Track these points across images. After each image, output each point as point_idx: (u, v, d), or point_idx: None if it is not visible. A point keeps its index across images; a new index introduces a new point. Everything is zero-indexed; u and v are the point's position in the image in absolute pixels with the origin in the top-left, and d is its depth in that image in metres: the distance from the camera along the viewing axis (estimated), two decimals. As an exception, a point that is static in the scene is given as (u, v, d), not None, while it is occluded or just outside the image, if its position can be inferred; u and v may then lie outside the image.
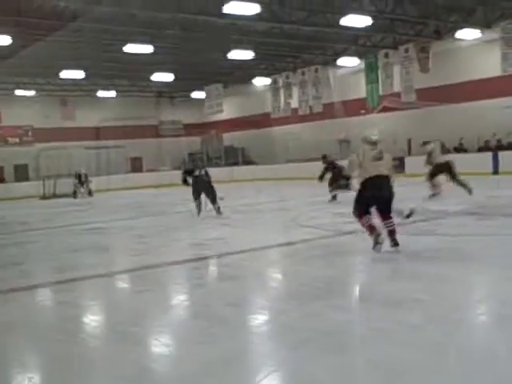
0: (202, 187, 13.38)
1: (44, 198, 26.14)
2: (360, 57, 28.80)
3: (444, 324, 4.45)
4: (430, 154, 13.83)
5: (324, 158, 16.21)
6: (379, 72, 27.65)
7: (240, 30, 23.50)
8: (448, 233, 8.90)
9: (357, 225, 7.80)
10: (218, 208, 13.33)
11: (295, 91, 31.68)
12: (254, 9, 18.81)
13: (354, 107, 29.98)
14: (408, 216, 8.49)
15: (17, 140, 34.50)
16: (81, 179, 26.16)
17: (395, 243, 7.30)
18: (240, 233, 10.69)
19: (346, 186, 12.65)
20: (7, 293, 6.60)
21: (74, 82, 31.97)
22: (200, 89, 36.45)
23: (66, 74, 28.71)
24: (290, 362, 3.93)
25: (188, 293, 6.35)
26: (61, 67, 27.68)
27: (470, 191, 12.92)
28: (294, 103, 31.77)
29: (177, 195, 21.91)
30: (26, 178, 31.85)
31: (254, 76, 34.50)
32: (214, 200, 13.38)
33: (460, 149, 24.79)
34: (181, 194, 22.61)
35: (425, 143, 15.27)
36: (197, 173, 13.71)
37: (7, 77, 29.62)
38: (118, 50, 24.17)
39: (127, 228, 12.71)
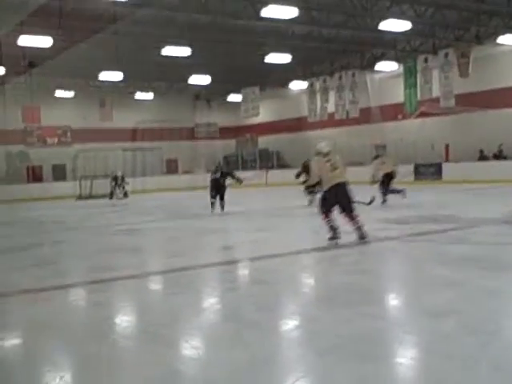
0: (215, 187, 15.49)
1: (80, 198, 26.53)
2: (398, 61, 28.54)
3: (479, 335, 4.33)
4: (380, 167, 15.88)
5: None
6: (418, 77, 27.33)
7: (278, 34, 23.51)
8: (484, 241, 8.71)
9: (392, 232, 7.71)
10: (223, 206, 15.30)
11: (332, 95, 31.52)
12: (293, 12, 18.80)
13: (391, 112, 29.72)
14: (370, 203, 10.12)
15: (55, 140, 35.11)
16: (117, 181, 26.40)
17: (362, 237, 8.61)
18: (273, 237, 10.65)
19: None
20: (41, 291, 6.69)
21: (113, 83, 32.41)
22: (236, 92, 36.58)
23: (104, 75, 29.12)
24: (317, 369, 3.88)
25: (219, 296, 6.34)
26: (100, 69, 28.10)
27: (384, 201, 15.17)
28: (331, 107, 31.61)
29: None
30: (64, 178, 32.41)
31: (290, 79, 34.47)
32: (221, 198, 15.42)
33: (499, 156, 24.33)
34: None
35: (376, 157, 17.24)
36: (213, 176, 15.80)
37: (48, 78, 30.21)
38: (157, 52, 24.43)
39: (161, 230, 12.80)
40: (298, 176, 17.37)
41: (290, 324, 5.05)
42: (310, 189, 14.85)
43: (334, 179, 8.68)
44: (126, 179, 26.54)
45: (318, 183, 9.68)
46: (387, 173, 15.76)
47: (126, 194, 25.99)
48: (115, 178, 26.14)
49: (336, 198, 8.73)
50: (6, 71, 25.26)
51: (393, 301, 5.92)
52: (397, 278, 6.90)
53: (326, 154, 8.88)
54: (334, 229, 8.80)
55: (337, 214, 8.89)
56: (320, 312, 5.24)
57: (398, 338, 4.43)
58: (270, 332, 4.70)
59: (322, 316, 5.07)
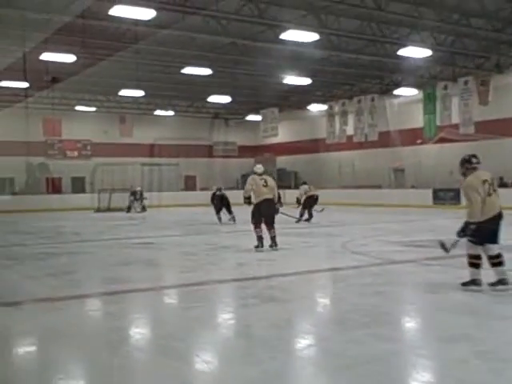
0: (219, 203, 18.14)
1: (98, 210, 26.73)
2: (418, 87, 28.60)
3: (493, 362, 4.29)
4: (305, 193, 18.50)
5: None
6: (437, 103, 27.34)
7: (297, 57, 23.68)
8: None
9: (409, 255, 7.67)
10: (233, 217, 17.89)
11: (351, 118, 31.60)
12: (312, 37, 18.93)
13: (410, 137, 29.69)
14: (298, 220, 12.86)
15: (75, 154, 35.50)
16: (136, 196, 26.67)
17: (274, 245, 10.82)
18: (288, 256, 10.64)
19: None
20: (57, 301, 6.75)
21: (133, 99, 32.81)
22: (255, 112, 36.83)
23: (125, 92, 29.49)
24: (329, 388, 3.87)
25: (232, 312, 6.35)
26: (121, 86, 28.48)
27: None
28: (349, 130, 31.68)
29: (227, 214, 22.05)
30: (83, 191, 32.70)
31: (309, 102, 34.66)
32: (230, 211, 18.07)
33: (519, 183, 24.17)
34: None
35: (304, 183, 19.85)
36: (217, 193, 18.38)
37: (70, 93, 30.67)
38: (177, 71, 24.73)
39: (177, 244, 12.85)
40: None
41: (301, 343, 5.04)
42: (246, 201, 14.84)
43: (264, 195, 10.85)
44: (144, 194, 26.79)
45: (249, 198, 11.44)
46: (311, 195, 18.46)
47: (144, 208, 26.21)
48: (134, 193, 26.44)
49: (264, 211, 10.84)
50: (30, 85, 25.68)
51: (406, 324, 5.88)
52: (411, 301, 6.86)
53: (260, 174, 11.09)
54: (260, 239, 10.80)
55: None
56: (332, 332, 5.23)
57: (411, 362, 4.41)
58: (281, 350, 4.69)
59: (335, 336, 5.06)
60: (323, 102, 33.90)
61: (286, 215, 15.93)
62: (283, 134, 36.61)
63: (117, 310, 6.28)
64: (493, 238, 6.63)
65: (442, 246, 7.20)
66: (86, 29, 18.52)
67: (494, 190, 6.76)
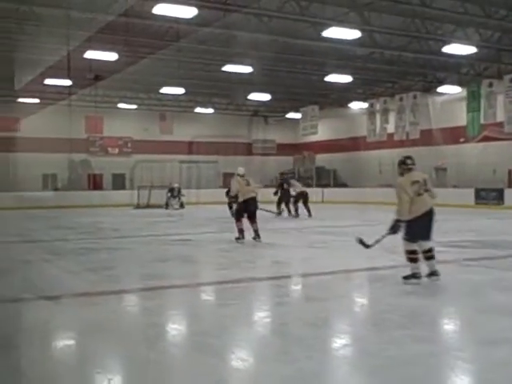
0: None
1: (138, 207, 27.02)
2: (461, 85, 28.07)
3: (534, 365, 4.18)
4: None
5: (281, 174, 20.96)
6: (481, 101, 26.77)
7: (339, 54, 23.52)
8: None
9: (449, 255, 7.52)
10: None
11: (392, 116, 31.22)
12: (355, 34, 18.76)
13: (452, 135, 29.17)
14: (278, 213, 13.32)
15: (116, 151, 36.03)
16: (173, 193, 26.92)
17: (258, 237, 11.81)
18: (325, 254, 10.59)
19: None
20: (96, 295, 6.84)
21: (174, 97, 33.07)
22: (295, 110, 36.74)
23: (166, 90, 29.75)
24: (365, 389, 3.82)
25: (268, 310, 6.34)
26: (162, 83, 28.75)
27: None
28: (390, 128, 31.30)
29: (264, 212, 22.03)
30: (123, 187, 33.13)
31: (350, 99, 34.40)
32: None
33: None
34: (269, 211, 22.74)
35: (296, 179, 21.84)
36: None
37: (112, 90, 31.15)
38: (218, 69, 24.83)
39: (214, 241, 12.89)
40: (275, 193, 20.05)
41: (338, 342, 4.99)
42: (233, 199, 14.86)
43: (249, 193, 12.01)
44: (182, 192, 27.00)
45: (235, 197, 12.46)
46: (300, 192, 19.70)
47: (182, 205, 26.43)
48: (171, 190, 26.69)
49: (248, 208, 11.91)
50: (73, 83, 26.14)
51: (445, 325, 5.78)
52: (450, 302, 6.72)
53: (242, 175, 12.37)
54: (241, 232, 11.87)
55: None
56: (369, 332, 5.17)
57: (449, 364, 4.32)
58: (317, 349, 4.66)
59: (371, 336, 5.00)
60: (364, 99, 33.59)
61: (265, 211, 16.51)
62: (323, 131, 36.41)
63: (154, 305, 6.33)
64: (424, 234, 7.18)
65: (361, 242, 7.86)
66: (129, 27, 18.78)
67: (426, 190, 7.27)
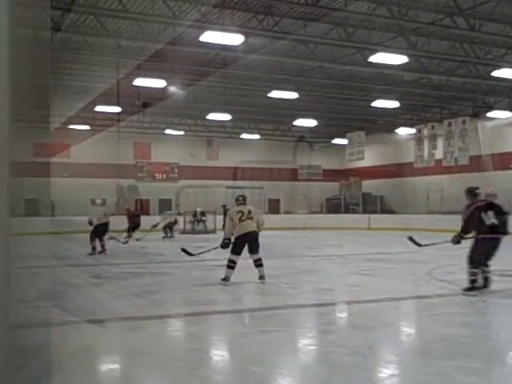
0: None
1: (184, 232, 27.21)
2: (512, 109, 27.51)
3: None
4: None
5: None
6: (533, 126, 26.17)
7: (386, 80, 23.42)
8: None
9: (497, 284, 7.29)
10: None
11: (440, 142, 30.76)
12: (402, 59, 18.64)
13: (503, 161, 28.54)
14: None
15: (163, 176, 36.54)
16: (196, 216, 27.53)
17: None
18: (371, 282, 10.41)
19: None
20: (140, 320, 6.87)
21: (220, 123, 33.42)
22: (341, 135, 36.61)
23: (213, 116, 30.10)
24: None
25: (312, 337, 6.24)
26: (208, 110, 29.09)
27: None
28: (438, 154, 30.84)
29: (311, 238, 21.91)
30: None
31: (397, 125, 34.09)
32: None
33: None
34: (315, 237, 22.61)
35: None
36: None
37: (159, 117, 31.73)
38: (264, 95, 25.00)
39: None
40: None
41: (383, 372, 4.86)
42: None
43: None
44: (205, 216, 27.54)
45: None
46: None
47: (206, 229, 26.90)
48: (194, 214, 27.44)
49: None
50: (122, 110, 26.74)
51: (495, 357, 5.55)
52: (499, 334, 6.49)
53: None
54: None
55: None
56: (416, 363, 5.02)
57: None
58: (362, 378, 4.54)
59: (418, 367, 4.85)
60: (411, 125, 33.22)
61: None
62: (369, 157, 36.14)
63: (197, 331, 6.32)
64: (250, 249, 9.88)
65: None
66: (177, 55, 19.13)
67: (249, 218, 9.80)
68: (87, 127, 32.06)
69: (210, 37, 16.21)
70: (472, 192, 9.06)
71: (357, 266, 12.88)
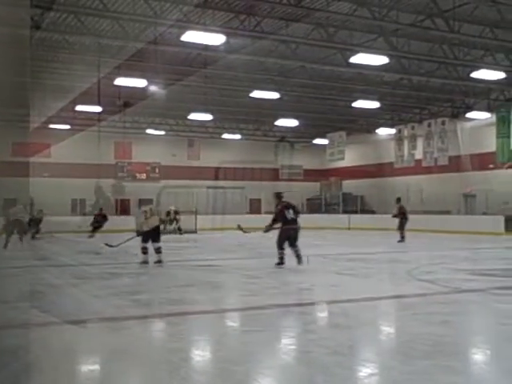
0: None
1: (164, 232, 27.01)
2: (491, 110, 27.83)
3: None
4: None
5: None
6: (511, 126, 26.46)
7: (366, 80, 23.58)
8: None
9: (478, 283, 7.37)
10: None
11: (420, 142, 31.05)
12: (382, 60, 18.77)
13: (482, 161, 28.87)
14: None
15: (144, 176, 36.38)
16: (169, 216, 26.37)
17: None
18: (352, 281, 10.47)
19: None
20: (120, 320, 6.84)
21: (201, 123, 33.39)
22: (322, 135, 36.78)
23: (194, 116, 30.04)
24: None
25: (293, 337, 6.26)
26: (190, 110, 29.06)
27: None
28: (418, 154, 31.12)
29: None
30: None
31: (377, 125, 34.34)
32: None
33: None
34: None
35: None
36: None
37: (140, 117, 31.61)
38: (245, 95, 25.03)
39: (240, 267, 12.84)
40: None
41: (363, 371, 4.89)
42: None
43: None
44: (179, 216, 26.61)
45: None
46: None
47: (180, 230, 26.17)
48: (167, 213, 26.05)
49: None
50: (103, 110, 26.58)
51: (474, 355, 5.62)
52: (479, 332, 6.57)
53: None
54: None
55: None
56: (396, 362, 5.05)
57: (478, 395, 4.20)
58: (342, 378, 4.57)
59: (398, 366, 4.89)
60: (392, 125, 33.50)
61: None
62: (349, 157, 36.35)
63: (178, 331, 6.31)
64: (153, 238, 12.69)
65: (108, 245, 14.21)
66: (158, 54, 19.07)
67: (152, 215, 12.75)
68: (68, 127, 31.84)
69: (192, 36, 16.20)
70: (278, 195, 12.91)
71: (337, 265, 12.93)
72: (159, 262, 12.65)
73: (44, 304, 7.89)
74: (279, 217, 12.39)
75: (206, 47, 17.89)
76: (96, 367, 5.22)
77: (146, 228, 12.64)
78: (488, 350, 5.74)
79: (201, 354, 5.58)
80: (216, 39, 16.43)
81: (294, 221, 12.41)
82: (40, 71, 21.42)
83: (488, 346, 5.93)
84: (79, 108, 26.92)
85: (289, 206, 12.60)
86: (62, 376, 4.75)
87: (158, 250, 12.76)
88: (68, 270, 12.29)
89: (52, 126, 30.91)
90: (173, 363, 5.02)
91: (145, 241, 12.72)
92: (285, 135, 38.96)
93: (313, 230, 29.40)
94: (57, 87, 23.23)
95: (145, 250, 12.68)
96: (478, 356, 5.60)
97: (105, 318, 6.98)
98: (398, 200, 20.50)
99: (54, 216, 26.48)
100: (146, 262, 12.53)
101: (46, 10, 15.41)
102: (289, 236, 12.19)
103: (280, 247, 12.22)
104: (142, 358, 5.22)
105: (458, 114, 29.92)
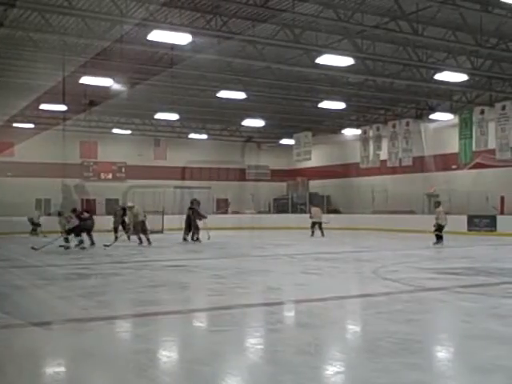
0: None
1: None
2: (454, 112, 28.33)
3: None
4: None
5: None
6: (473, 128, 27.00)
7: (332, 81, 23.76)
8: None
9: (442, 282, 7.50)
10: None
11: (385, 143, 31.44)
12: (347, 61, 18.94)
13: (445, 162, 29.38)
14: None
15: (110, 176, 36.01)
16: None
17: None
18: (318, 280, 10.56)
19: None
20: (86, 322, 6.78)
21: (168, 123, 33.22)
22: (289, 136, 36.94)
23: (160, 115, 29.86)
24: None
25: (260, 337, 6.29)
26: (156, 109, 28.88)
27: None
28: (384, 155, 31.49)
29: (258, 238, 22.01)
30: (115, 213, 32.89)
31: (343, 126, 34.63)
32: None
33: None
34: (263, 237, 22.73)
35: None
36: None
37: (106, 116, 31.28)
38: (212, 95, 24.99)
39: (207, 267, 12.83)
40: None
41: (330, 370, 4.94)
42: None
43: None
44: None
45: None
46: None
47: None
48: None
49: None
50: (68, 109, 26.23)
51: (438, 353, 5.73)
52: (443, 330, 6.70)
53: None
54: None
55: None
56: (362, 360, 5.13)
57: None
58: (309, 377, 4.61)
59: (364, 364, 4.96)
60: (357, 126, 33.83)
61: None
62: (316, 158, 36.60)
63: (145, 332, 6.27)
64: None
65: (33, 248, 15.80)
66: (124, 53, 18.91)
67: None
68: (32, 125, 31.31)
69: (158, 36, 16.10)
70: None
71: (304, 265, 13.02)
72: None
73: (7, 305, 7.77)
74: None
75: (173, 46, 17.77)
76: (61, 369, 5.16)
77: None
78: (452, 348, 5.86)
79: (168, 355, 5.56)
80: (182, 39, 16.34)
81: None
82: (3, 69, 21.07)
83: (452, 343, 6.05)
84: (44, 107, 26.47)
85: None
86: (25, 378, 4.69)
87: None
88: (33, 271, 12.11)
89: (15, 124, 30.37)
90: (140, 364, 5.00)
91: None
92: (251, 135, 39.02)
93: (280, 229, 29.56)
94: (21, 85, 22.86)
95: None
96: (443, 353, 5.71)
97: (70, 319, 6.90)
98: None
99: (18, 216, 26.07)
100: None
101: (9, 6, 15.14)
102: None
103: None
104: (108, 360, 5.19)
105: (421, 115, 30.39)
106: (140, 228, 19.28)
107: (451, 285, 9.55)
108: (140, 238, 19.12)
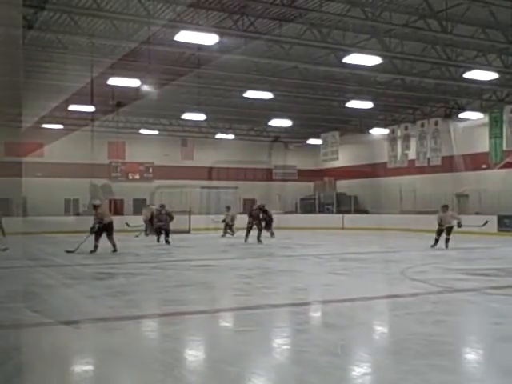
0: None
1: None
2: (484, 110, 27.92)
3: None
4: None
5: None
6: (504, 127, 26.56)
7: (360, 81, 23.60)
8: None
9: (471, 283, 7.40)
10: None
11: (413, 143, 31.13)
12: (375, 60, 18.79)
13: (475, 161, 28.97)
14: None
15: (137, 176, 36.31)
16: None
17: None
18: (345, 281, 10.49)
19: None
20: (114, 321, 6.83)
21: (195, 123, 33.35)
22: (316, 136, 36.82)
23: (187, 116, 30.00)
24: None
25: (287, 337, 6.26)
26: (183, 109, 29.01)
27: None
28: (412, 154, 31.19)
29: (286, 238, 21.95)
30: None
31: (371, 126, 34.38)
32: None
33: None
34: (290, 237, 22.68)
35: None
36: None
37: (134, 116, 31.54)
38: (239, 95, 25.02)
39: (233, 267, 12.84)
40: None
41: (356, 371, 4.90)
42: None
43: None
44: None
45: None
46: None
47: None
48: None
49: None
50: (96, 109, 26.51)
51: (466, 355, 5.64)
52: (473, 331, 6.60)
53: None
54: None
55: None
56: (389, 361, 5.08)
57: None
58: (336, 378, 4.58)
59: (391, 365, 4.91)
60: (385, 125, 33.56)
61: None
62: (343, 157, 36.39)
63: (172, 331, 6.29)
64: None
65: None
66: (151, 54, 19.03)
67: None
68: (61, 126, 31.73)
69: (185, 36, 16.16)
70: None
71: (331, 265, 12.95)
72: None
73: (37, 304, 7.87)
74: None
75: (200, 47, 17.86)
76: (89, 367, 5.20)
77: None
78: (481, 350, 5.77)
79: (194, 355, 5.58)
80: (209, 39, 16.39)
81: None
82: (33, 71, 21.34)
83: (481, 345, 5.95)
84: (72, 108, 26.83)
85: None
86: (54, 376, 4.73)
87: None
88: (62, 270, 12.25)
89: (45, 125, 30.79)
90: (167, 363, 5.01)
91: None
92: (278, 135, 38.97)
93: (307, 229, 29.46)
94: (50, 87, 23.15)
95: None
96: (471, 355, 5.62)
97: (99, 318, 6.96)
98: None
99: (47, 216, 26.45)
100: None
101: (38, 9, 15.35)
102: None
103: None
104: (136, 359, 5.21)
105: (450, 114, 30.01)
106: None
107: (481, 286, 9.40)
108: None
